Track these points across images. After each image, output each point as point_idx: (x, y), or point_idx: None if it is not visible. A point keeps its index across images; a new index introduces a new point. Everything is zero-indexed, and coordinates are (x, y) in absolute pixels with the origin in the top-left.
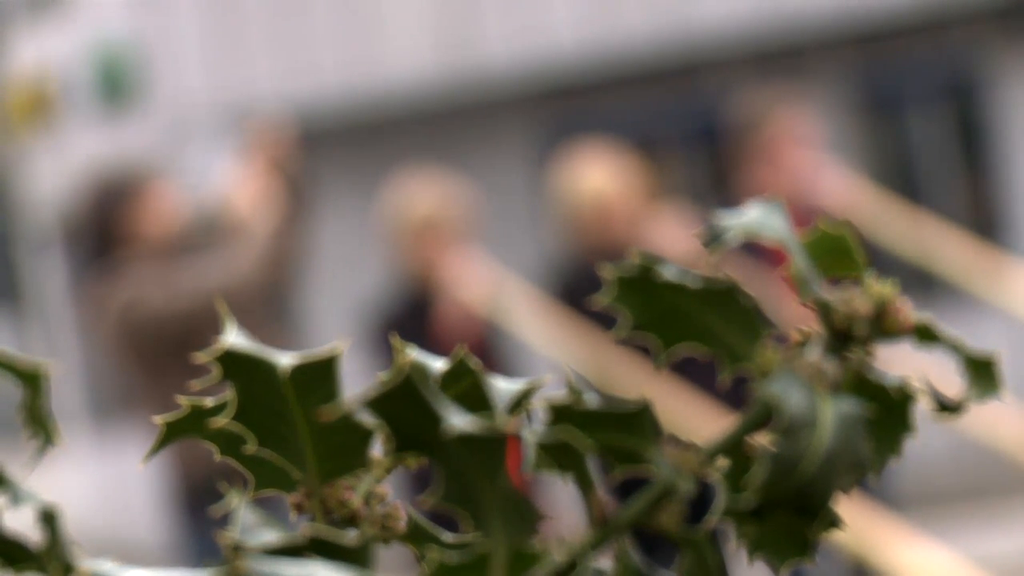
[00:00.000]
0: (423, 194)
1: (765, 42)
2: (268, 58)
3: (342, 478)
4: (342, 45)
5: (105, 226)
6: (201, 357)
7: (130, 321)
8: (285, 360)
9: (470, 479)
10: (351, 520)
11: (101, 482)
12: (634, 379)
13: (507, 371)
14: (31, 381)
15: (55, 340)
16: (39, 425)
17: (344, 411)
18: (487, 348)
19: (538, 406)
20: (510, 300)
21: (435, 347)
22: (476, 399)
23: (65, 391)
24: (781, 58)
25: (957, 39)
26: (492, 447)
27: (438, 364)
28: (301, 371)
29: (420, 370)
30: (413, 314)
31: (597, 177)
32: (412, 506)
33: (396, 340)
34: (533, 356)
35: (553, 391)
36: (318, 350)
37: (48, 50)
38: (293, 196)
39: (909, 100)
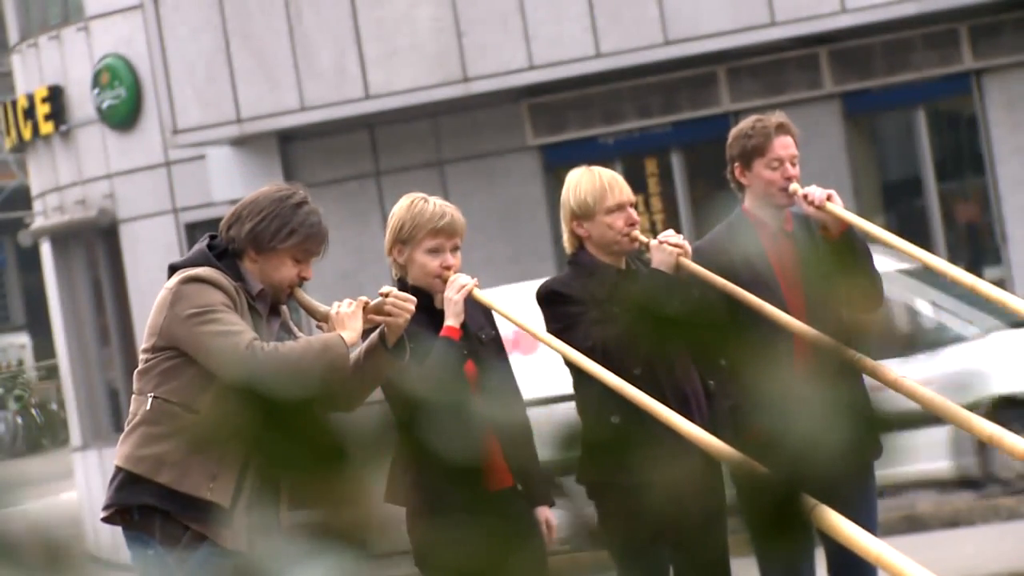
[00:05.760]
0: (435, 202)
1: (751, 48)
2: (265, 82)
3: (341, 480)
4: (342, 62)
5: (267, 230)
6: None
7: (184, 292)
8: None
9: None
10: (350, 521)
11: (98, 489)
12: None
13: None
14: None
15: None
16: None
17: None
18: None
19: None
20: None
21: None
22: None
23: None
24: (770, 66)
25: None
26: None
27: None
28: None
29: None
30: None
31: (594, 183)
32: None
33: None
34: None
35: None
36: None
37: (55, 69)
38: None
39: (899, 105)
